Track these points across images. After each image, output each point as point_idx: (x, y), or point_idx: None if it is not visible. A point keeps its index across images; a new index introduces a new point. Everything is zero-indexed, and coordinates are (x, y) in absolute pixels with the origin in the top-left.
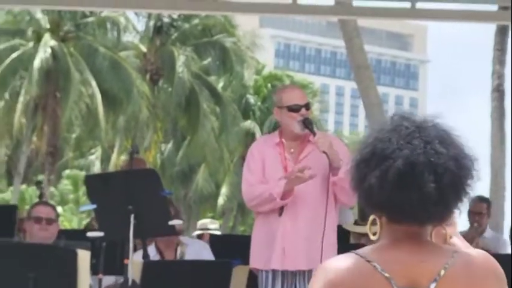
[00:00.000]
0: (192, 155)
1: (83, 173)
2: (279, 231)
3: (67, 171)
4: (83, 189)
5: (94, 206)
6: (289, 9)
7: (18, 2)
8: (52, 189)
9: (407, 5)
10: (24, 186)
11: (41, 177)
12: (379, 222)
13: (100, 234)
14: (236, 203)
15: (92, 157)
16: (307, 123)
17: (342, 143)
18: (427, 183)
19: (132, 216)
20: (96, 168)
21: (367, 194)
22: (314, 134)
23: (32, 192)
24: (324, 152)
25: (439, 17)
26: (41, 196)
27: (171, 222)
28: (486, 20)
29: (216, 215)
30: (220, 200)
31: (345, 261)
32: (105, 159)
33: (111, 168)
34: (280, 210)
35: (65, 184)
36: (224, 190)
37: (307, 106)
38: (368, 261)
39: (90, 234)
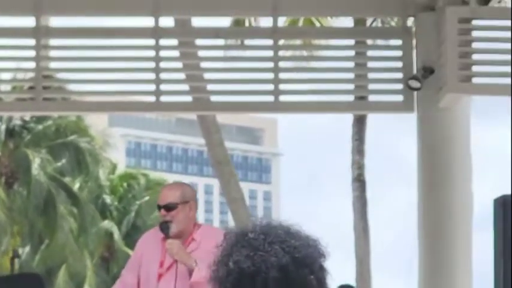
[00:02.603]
0: (51, 257)
1: None
2: None
3: None
4: None
5: None
6: (152, 107)
7: None
8: None
9: (271, 98)
10: None
11: None
12: None
13: None
14: None
15: None
16: (162, 227)
17: (218, 240)
18: (306, 276)
19: None
20: None
21: None
22: (167, 238)
23: None
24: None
25: (302, 109)
26: None
27: None
28: (344, 111)
29: None
30: None
31: None
32: None
33: None
34: None
35: None
36: None
37: (167, 207)
38: None
39: None
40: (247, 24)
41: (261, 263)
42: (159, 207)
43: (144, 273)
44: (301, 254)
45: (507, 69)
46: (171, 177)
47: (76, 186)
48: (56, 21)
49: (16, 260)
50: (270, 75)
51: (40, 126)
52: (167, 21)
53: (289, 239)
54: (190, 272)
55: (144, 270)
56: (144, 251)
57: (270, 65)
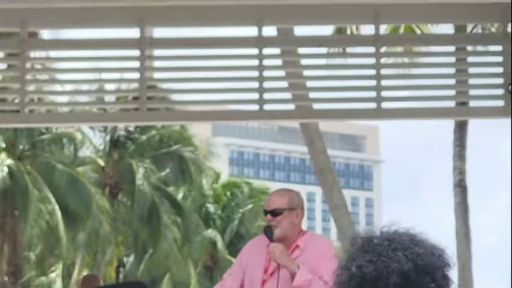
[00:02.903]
0: (155, 267)
1: None
2: None
3: None
4: None
5: None
6: (256, 116)
7: None
8: None
9: (373, 105)
10: None
11: None
12: None
13: None
14: None
15: (53, 275)
16: (265, 230)
17: (322, 248)
18: (428, 283)
19: None
20: (58, 286)
21: None
22: (271, 241)
23: None
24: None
25: (404, 115)
26: None
27: None
28: (445, 117)
29: None
30: None
31: None
32: (67, 276)
33: (72, 285)
34: None
35: None
36: None
37: (273, 212)
38: None
39: None
40: (349, 32)
41: (383, 269)
42: (266, 212)
43: (249, 279)
44: (424, 262)
45: None
46: (273, 186)
47: (180, 195)
48: (160, 32)
49: (121, 270)
50: (372, 83)
51: (144, 137)
52: (270, 31)
53: (413, 246)
54: (292, 276)
55: (249, 277)
56: (249, 258)
57: (372, 72)
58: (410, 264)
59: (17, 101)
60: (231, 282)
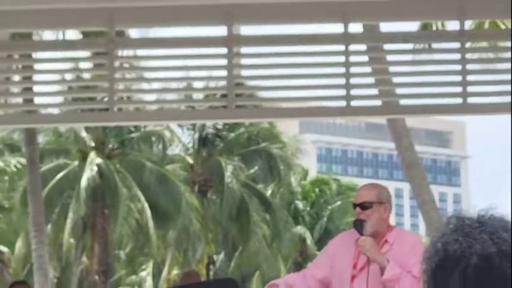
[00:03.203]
0: (245, 264)
1: None
2: None
3: None
4: None
5: None
6: (343, 112)
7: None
8: None
9: (459, 101)
10: None
11: None
12: None
13: None
14: None
15: (143, 273)
16: (355, 224)
17: (411, 243)
18: (506, 270)
19: None
20: (148, 285)
21: None
22: (361, 235)
23: None
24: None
25: (490, 110)
26: None
27: None
28: None
29: None
30: None
31: None
32: (157, 274)
33: (163, 283)
34: None
35: None
36: None
37: (362, 206)
38: None
39: None
40: (434, 28)
41: (466, 249)
42: (355, 206)
43: (337, 274)
44: (508, 248)
45: None
46: (362, 182)
47: (268, 192)
48: (247, 30)
49: (211, 267)
50: (458, 78)
51: (232, 134)
52: (356, 27)
53: (502, 232)
54: (382, 271)
55: (337, 271)
56: (336, 252)
57: (458, 67)
58: (494, 248)
59: (105, 99)
60: (313, 271)
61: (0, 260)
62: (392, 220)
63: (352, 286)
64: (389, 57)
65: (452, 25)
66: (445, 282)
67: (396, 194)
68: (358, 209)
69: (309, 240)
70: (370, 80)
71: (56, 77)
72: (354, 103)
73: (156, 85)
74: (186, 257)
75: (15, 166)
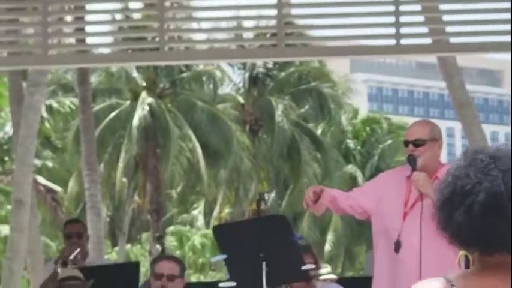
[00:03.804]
0: (296, 203)
1: (187, 229)
2: (401, 268)
3: (171, 228)
4: (188, 245)
5: (224, 256)
6: (393, 50)
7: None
8: (158, 247)
9: (508, 38)
10: (129, 246)
11: (145, 235)
12: (471, 257)
13: (232, 284)
14: (343, 248)
15: (195, 212)
16: (409, 159)
17: None
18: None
19: (264, 263)
20: (200, 223)
21: (455, 233)
22: (414, 171)
23: (137, 251)
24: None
25: None
26: (163, 251)
27: (304, 267)
28: None
29: (323, 262)
30: (327, 247)
31: (432, 285)
32: (209, 213)
33: (214, 222)
34: (397, 247)
35: (170, 241)
36: (330, 236)
37: (416, 142)
38: (453, 285)
39: (222, 285)
40: None
41: (475, 185)
42: (407, 143)
43: (386, 210)
44: None
45: None
46: (412, 121)
47: (319, 131)
48: None
49: (263, 206)
50: (507, 16)
51: (283, 73)
52: None
53: None
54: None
55: (386, 206)
56: (386, 187)
57: (507, 5)
58: (503, 187)
59: (156, 39)
60: (358, 195)
61: (54, 198)
62: (444, 160)
63: (404, 223)
64: None
65: None
66: (451, 215)
67: (448, 133)
68: (411, 146)
69: (360, 179)
70: (420, 18)
71: (108, 17)
72: (403, 41)
73: (206, 24)
74: (238, 196)
75: (69, 107)
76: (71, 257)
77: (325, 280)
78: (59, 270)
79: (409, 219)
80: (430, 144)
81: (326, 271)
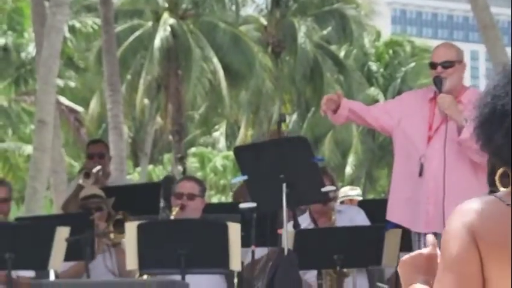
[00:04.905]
0: (318, 125)
1: (208, 150)
2: (422, 192)
3: (193, 149)
4: (209, 166)
5: (245, 177)
6: None
7: None
8: (179, 167)
9: None
10: (151, 167)
11: (167, 156)
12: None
13: (253, 205)
14: (364, 171)
15: (217, 133)
16: (435, 81)
17: None
18: None
19: (284, 185)
20: (222, 145)
21: (496, 154)
22: (439, 92)
23: (159, 172)
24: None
25: None
26: (184, 172)
27: (324, 189)
28: None
29: (344, 184)
30: (348, 170)
31: (484, 204)
32: (230, 134)
33: (237, 143)
34: (420, 169)
35: (192, 162)
36: (351, 159)
37: (444, 64)
38: (508, 204)
39: (242, 205)
40: None
41: None
42: (435, 65)
43: (410, 131)
44: None
45: None
46: (436, 44)
47: (342, 53)
48: None
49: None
50: None
51: None
52: None
53: None
54: (459, 130)
55: (410, 129)
56: (408, 108)
57: None
58: None
59: None
60: (380, 109)
61: (77, 119)
62: (467, 83)
63: (428, 147)
64: None
65: None
66: (491, 136)
67: (472, 56)
68: (439, 68)
69: (382, 102)
70: None
71: None
72: None
73: None
74: (259, 118)
75: (91, 27)
76: (94, 171)
77: (342, 202)
78: (80, 181)
79: (433, 143)
80: (457, 66)
81: (355, 193)
